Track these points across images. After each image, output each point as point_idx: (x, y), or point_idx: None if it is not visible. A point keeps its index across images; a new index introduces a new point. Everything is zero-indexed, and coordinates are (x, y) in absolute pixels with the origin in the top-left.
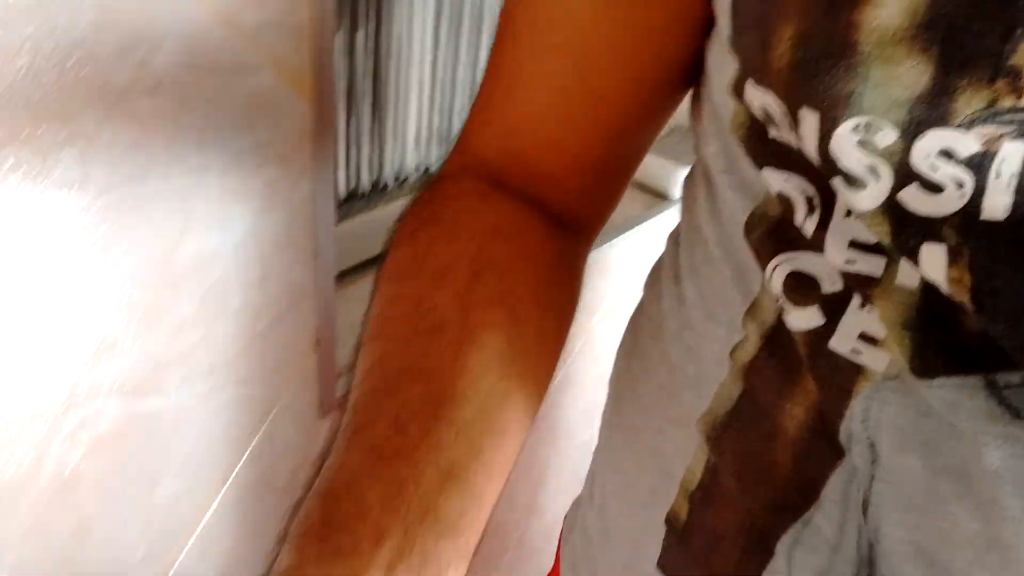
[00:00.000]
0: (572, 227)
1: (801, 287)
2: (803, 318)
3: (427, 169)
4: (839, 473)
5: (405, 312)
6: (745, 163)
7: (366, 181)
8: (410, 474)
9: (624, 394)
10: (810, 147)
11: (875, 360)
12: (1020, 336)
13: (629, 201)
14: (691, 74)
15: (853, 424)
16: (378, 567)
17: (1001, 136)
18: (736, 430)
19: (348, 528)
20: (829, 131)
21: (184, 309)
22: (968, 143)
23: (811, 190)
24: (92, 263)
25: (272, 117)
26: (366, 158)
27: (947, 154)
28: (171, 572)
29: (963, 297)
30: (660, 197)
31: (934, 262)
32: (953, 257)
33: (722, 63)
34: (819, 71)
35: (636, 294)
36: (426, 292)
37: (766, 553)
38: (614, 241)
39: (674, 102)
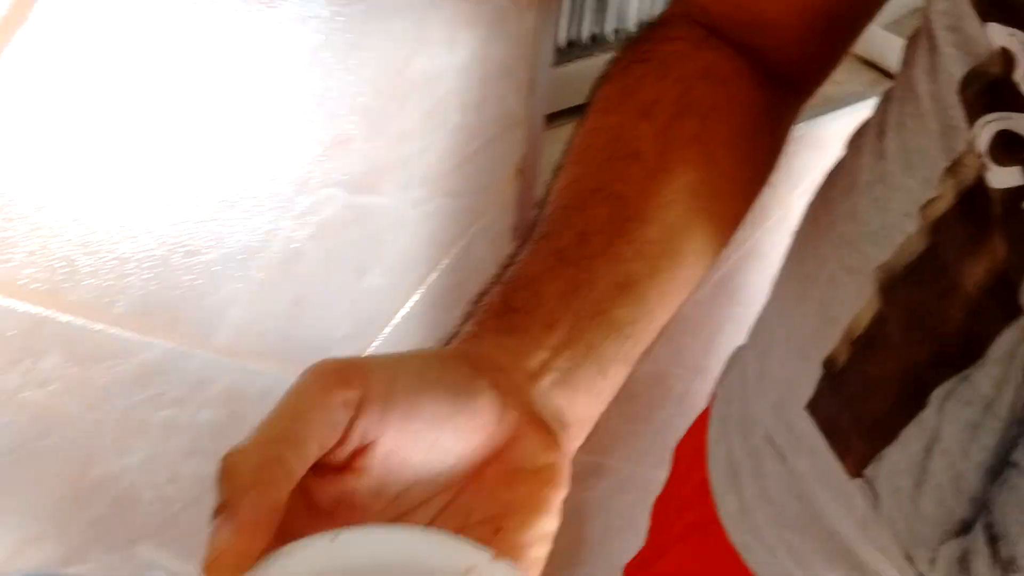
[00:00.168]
0: (786, 82)
1: (1008, 146)
2: (1005, 176)
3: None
4: (1009, 333)
5: (606, 140)
6: (971, 19)
7: (587, 32)
8: (587, 278)
9: (805, 244)
10: None
11: None
12: None
13: (853, 75)
14: None
15: None
16: (546, 348)
17: None
18: (912, 283)
19: (524, 311)
20: None
21: (407, 121)
22: None
23: None
24: (334, 66)
25: None
26: (590, 7)
27: None
28: (365, 353)
29: None
30: (886, 76)
31: None
32: None
33: None
34: None
35: None
36: (628, 123)
37: (919, 403)
38: (832, 115)
39: None
